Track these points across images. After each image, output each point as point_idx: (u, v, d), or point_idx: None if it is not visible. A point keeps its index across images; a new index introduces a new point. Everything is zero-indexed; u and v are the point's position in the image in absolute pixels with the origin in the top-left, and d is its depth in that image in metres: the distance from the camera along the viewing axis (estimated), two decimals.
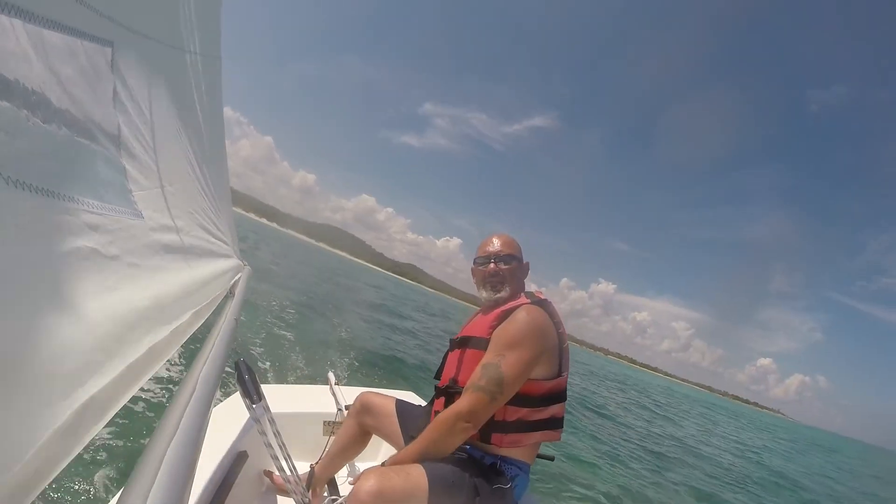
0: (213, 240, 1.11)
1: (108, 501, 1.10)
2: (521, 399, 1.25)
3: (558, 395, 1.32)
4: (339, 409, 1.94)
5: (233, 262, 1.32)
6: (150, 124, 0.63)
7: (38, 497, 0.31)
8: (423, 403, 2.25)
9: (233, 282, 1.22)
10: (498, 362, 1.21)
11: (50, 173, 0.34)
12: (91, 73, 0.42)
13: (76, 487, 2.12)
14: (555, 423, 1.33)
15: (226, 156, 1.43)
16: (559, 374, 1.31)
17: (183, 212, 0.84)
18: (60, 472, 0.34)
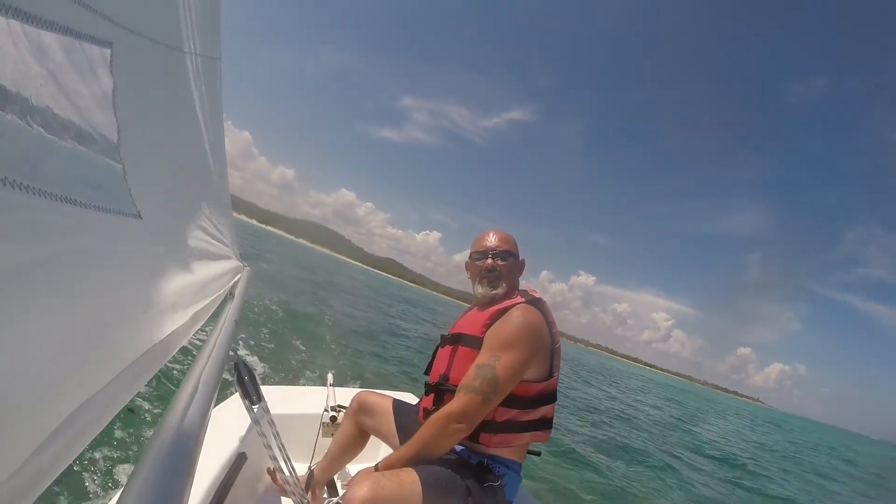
0: (213, 241, 1.11)
1: (108, 502, 1.10)
2: (512, 400, 1.24)
3: (549, 396, 1.31)
4: (339, 410, 1.94)
5: (232, 263, 1.32)
6: (150, 125, 0.63)
7: (38, 499, 0.31)
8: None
9: (232, 283, 1.22)
10: (493, 363, 1.20)
11: (48, 174, 0.34)
12: (90, 74, 0.42)
13: (76, 488, 2.12)
14: (544, 424, 1.32)
15: (225, 157, 1.43)
16: (551, 375, 1.31)
17: (183, 213, 0.84)
18: (60, 474, 0.34)
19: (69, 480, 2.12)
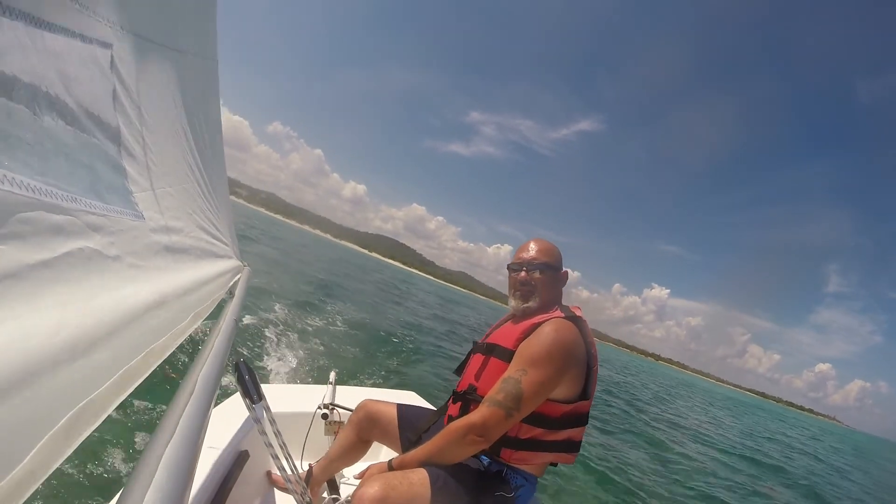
0: (213, 241, 1.12)
1: (108, 502, 1.10)
2: (536, 418, 1.20)
3: (578, 419, 1.25)
4: (332, 408, 1.95)
5: (232, 262, 1.32)
6: (150, 125, 0.63)
7: (34, 496, 0.32)
8: (426, 405, 2.24)
9: (232, 282, 1.22)
10: (518, 377, 1.17)
11: (51, 175, 0.34)
12: (91, 76, 0.42)
13: (77, 488, 2.12)
14: (570, 447, 1.27)
15: (223, 156, 1.43)
16: (584, 397, 1.24)
17: (183, 213, 0.84)
18: (60, 473, 0.34)
19: (69, 480, 2.12)
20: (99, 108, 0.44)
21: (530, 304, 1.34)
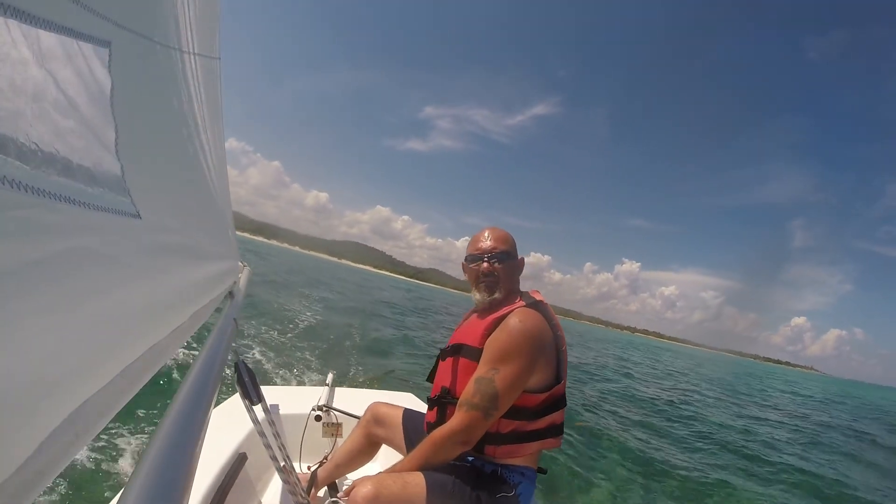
0: (213, 240, 1.11)
1: (109, 502, 1.10)
2: (515, 411, 1.20)
3: (555, 403, 1.26)
4: (326, 410, 1.94)
5: (232, 262, 1.32)
6: (149, 125, 0.63)
7: (38, 498, 0.31)
8: (423, 405, 2.24)
9: (232, 283, 1.22)
10: (491, 377, 1.16)
11: (47, 173, 0.34)
12: (88, 74, 0.41)
13: (77, 488, 2.12)
14: (553, 431, 1.27)
15: (225, 156, 1.43)
16: (557, 381, 1.25)
17: (182, 212, 0.83)
18: (60, 474, 0.34)
19: (70, 480, 2.12)
20: (96, 106, 0.43)
21: (496, 295, 1.34)
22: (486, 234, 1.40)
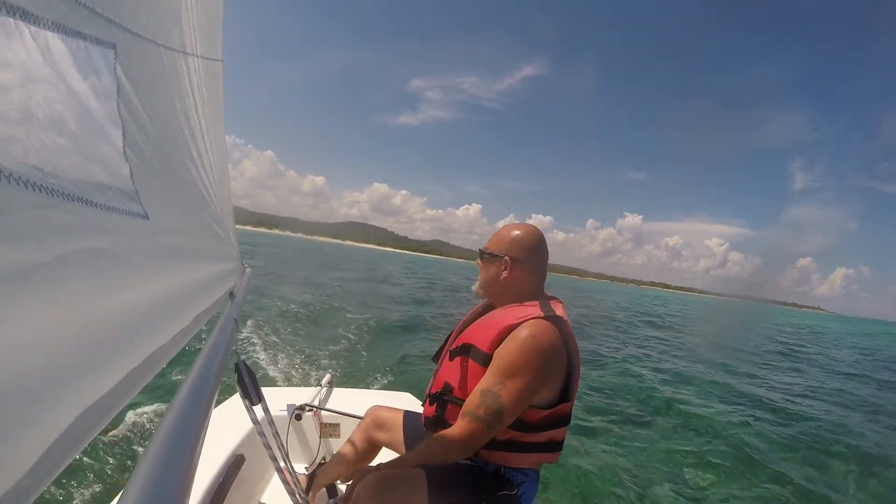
0: (215, 241, 1.11)
1: (109, 502, 1.10)
2: (514, 422, 1.17)
3: (558, 421, 1.22)
4: (307, 410, 1.95)
5: (234, 263, 1.32)
6: (154, 126, 0.63)
7: (38, 499, 0.31)
8: (420, 405, 2.25)
9: (234, 283, 1.22)
10: (497, 391, 1.13)
11: (54, 173, 0.34)
12: (94, 75, 0.42)
13: (77, 488, 2.12)
14: (552, 447, 1.24)
15: (227, 157, 1.43)
16: (566, 399, 1.21)
17: (186, 213, 0.84)
18: (59, 475, 0.34)
19: (70, 481, 2.12)
20: (102, 107, 0.44)
21: (478, 291, 1.35)
22: (500, 229, 1.38)
